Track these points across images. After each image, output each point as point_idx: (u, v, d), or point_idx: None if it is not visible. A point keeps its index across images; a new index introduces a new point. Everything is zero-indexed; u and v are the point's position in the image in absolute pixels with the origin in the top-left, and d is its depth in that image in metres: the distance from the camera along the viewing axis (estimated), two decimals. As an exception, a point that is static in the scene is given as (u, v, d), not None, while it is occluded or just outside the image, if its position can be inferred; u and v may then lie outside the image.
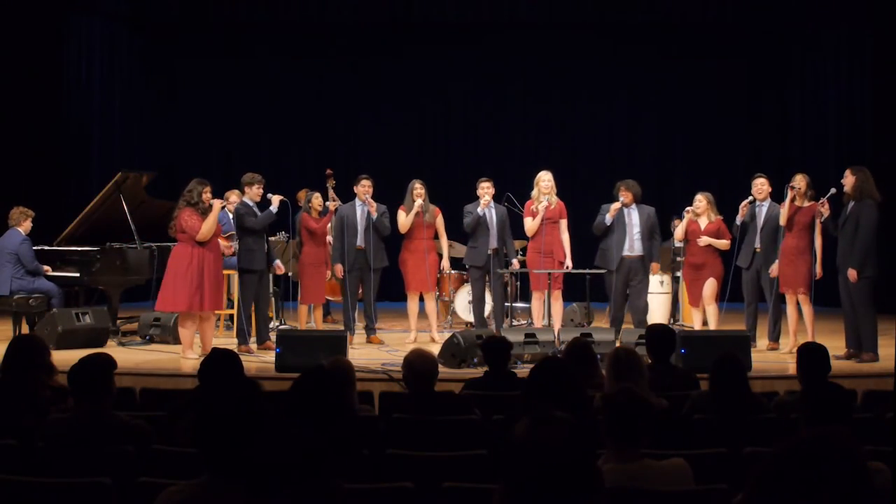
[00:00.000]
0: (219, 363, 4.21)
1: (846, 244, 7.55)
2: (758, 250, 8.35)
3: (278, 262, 8.68)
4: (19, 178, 11.12)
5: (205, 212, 7.54)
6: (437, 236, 8.98)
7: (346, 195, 9.07)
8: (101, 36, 12.88)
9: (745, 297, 8.45)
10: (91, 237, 9.08)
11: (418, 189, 8.75)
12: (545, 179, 8.63)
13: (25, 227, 8.57)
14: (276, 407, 2.98)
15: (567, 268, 8.60)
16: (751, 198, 8.40)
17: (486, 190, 8.72)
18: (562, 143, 13.68)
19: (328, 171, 9.36)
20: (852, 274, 7.43)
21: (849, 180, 7.60)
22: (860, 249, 7.45)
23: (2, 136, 11.45)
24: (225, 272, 8.31)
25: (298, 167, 13.14)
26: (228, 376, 4.08)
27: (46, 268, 8.71)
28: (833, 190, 7.83)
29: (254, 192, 8.31)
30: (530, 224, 8.61)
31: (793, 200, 8.05)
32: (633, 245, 8.55)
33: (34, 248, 8.63)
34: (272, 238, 9.17)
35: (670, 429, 4.04)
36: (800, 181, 8.03)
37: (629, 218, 8.57)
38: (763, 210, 8.38)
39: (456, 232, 9.41)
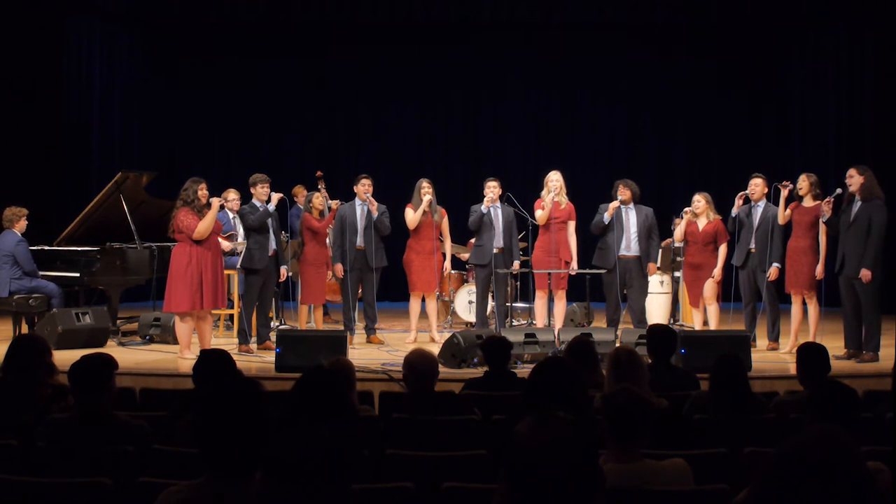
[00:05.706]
0: (211, 363, 4.20)
1: (856, 245, 7.43)
2: (752, 251, 8.34)
3: (284, 267, 8.67)
4: (19, 178, 11.11)
5: (201, 210, 7.54)
6: (441, 237, 8.99)
7: (347, 195, 9.06)
8: (101, 35, 12.88)
9: (743, 298, 8.45)
10: (91, 237, 9.09)
11: (426, 187, 8.75)
12: (554, 179, 8.65)
13: (20, 226, 8.48)
14: (276, 407, 2.97)
15: (572, 270, 8.61)
16: (747, 193, 8.39)
17: (491, 189, 8.73)
18: (562, 143, 13.67)
19: (318, 173, 9.42)
20: (866, 274, 7.34)
21: (856, 180, 7.48)
22: (874, 250, 7.36)
23: (1, 135, 11.44)
24: (226, 272, 8.31)
25: (299, 167, 13.12)
26: (223, 376, 4.07)
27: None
28: (839, 190, 7.71)
29: (258, 192, 8.35)
30: (540, 215, 8.61)
31: (787, 199, 8.05)
32: (629, 245, 8.56)
33: (33, 248, 8.60)
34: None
35: (670, 429, 4.04)
36: (801, 181, 8.02)
37: (627, 217, 8.58)
38: (758, 211, 8.35)
39: (456, 232, 9.40)
